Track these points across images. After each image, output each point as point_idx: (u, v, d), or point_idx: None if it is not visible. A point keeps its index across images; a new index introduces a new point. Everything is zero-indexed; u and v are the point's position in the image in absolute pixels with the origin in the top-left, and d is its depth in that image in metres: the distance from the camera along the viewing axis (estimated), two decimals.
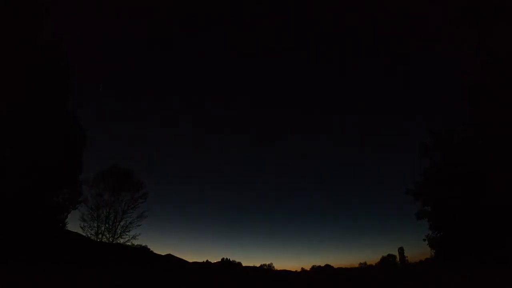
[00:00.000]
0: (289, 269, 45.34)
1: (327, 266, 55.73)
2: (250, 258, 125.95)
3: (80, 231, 24.43)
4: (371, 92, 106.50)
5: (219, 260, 46.91)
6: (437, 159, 24.55)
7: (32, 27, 16.87)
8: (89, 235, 24.87)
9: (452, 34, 21.44)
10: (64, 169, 18.05)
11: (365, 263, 53.20)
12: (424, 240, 25.81)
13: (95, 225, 25.49)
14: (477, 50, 20.18)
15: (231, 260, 47.37)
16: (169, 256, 28.68)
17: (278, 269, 49.19)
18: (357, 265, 53.81)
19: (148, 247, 28.52)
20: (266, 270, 46.90)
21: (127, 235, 26.35)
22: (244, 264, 47.05)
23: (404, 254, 40.21)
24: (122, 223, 26.45)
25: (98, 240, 25.13)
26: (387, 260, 46.18)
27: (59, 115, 17.73)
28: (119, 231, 26.23)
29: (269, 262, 56.73)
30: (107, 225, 25.91)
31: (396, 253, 42.87)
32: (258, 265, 51.20)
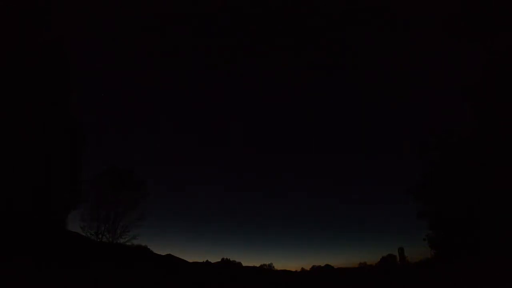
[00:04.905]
0: (289, 269, 45.25)
1: (327, 266, 55.63)
2: (250, 258, 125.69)
3: (80, 231, 24.46)
4: (370, 91, 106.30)
5: (219, 260, 46.90)
6: (437, 159, 24.60)
7: (33, 27, 16.88)
8: (89, 235, 24.89)
9: (452, 34, 21.48)
10: (64, 169, 18.06)
11: (365, 263, 53.04)
12: (424, 240, 25.89)
13: (95, 225, 25.54)
14: (477, 50, 20.23)
15: (231, 260, 47.39)
16: (169, 256, 28.64)
17: (278, 269, 49.08)
18: (357, 265, 53.64)
19: (148, 247, 28.58)
20: (266, 270, 46.83)
21: (127, 235, 26.42)
22: (244, 264, 46.99)
23: (404, 254, 40.11)
24: (122, 223, 26.50)
25: (98, 240, 25.15)
26: (387, 260, 46.12)
27: (59, 115, 17.74)
28: (119, 231, 26.27)
29: (269, 262, 56.56)
30: (107, 225, 25.94)
31: (396, 253, 42.80)
32: (258, 265, 51.08)
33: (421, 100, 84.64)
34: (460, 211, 21.97)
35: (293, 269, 46.74)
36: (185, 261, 29.49)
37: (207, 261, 42.04)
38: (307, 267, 56.15)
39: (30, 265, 11.64)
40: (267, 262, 57.12)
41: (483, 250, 19.15)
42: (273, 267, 53.94)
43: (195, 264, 31.74)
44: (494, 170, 19.09)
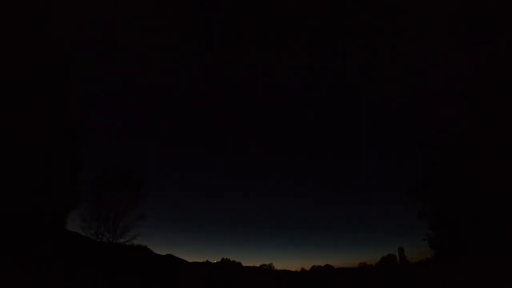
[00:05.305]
0: (289, 269, 45.24)
1: (327, 266, 55.61)
2: (250, 258, 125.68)
3: (80, 231, 24.44)
4: (370, 91, 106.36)
5: (219, 260, 46.90)
6: (437, 159, 24.61)
7: (33, 27, 16.88)
8: (89, 235, 24.87)
9: (452, 34, 21.47)
10: (64, 169, 18.06)
11: (365, 263, 52.98)
12: (424, 240, 25.94)
13: (95, 225, 25.51)
14: (477, 50, 20.23)
15: (231, 260, 47.38)
16: (169, 256, 28.65)
17: (278, 269, 49.06)
18: (357, 265, 53.59)
19: (148, 247, 28.58)
20: (266, 270, 46.85)
21: (127, 235, 26.40)
22: (244, 264, 46.98)
23: (404, 254, 40.15)
24: (122, 223, 26.48)
25: (98, 240, 25.13)
26: (387, 260, 46.13)
27: (59, 115, 17.74)
28: (119, 231, 26.25)
29: (269, 262, 56.50)
30: (107, 225, 25.92)
31: (396, 253, 42.83)
32: (258, 265, 51.06)
33: (421, 100, 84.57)
34: (460, 211, 21.97)
35: (293, 269, 46.78)
36: (185, 261, 29.50)
37: (207, 261, 42.08)
38: (307, 267, 56.09)
39: (30, 265, 11.64)
40: (267, 262, 57.04)
41: (483, 250, 19.15)
42: (273, 267, 53.87)
43: (195, 264, 31.76)
44: (494, 170, 19.10)
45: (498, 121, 18.92)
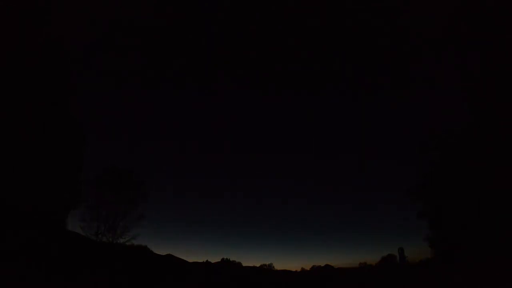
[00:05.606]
0: (289, 269, 45.24)
1: (327, 266, 55.57)
2: (250, 258, 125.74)
3: (80, 231, 24.45)
4: (369, 92, 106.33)
5: (219, 260, 46.84)
6: (437, 159, 24.61)
7: (33, 27, 16.89)
8: (89, 235, 24.88)
9: (452, 34, 21.48)
10: (64, 169, 18.07)
11: (365, 263, 52.90)
12: (424, 240, 25.94)
13: (95, 225, 25.52)
14: (477, 50, 20.23)
15: (231, 260, 47.33)
16: (169, 256, 28.64)
17: (278, 269, 49.03)
18: (357, 265, 53.54)
19: (148, 247, 28.57)
20: (266, 270, 46.83)
21: (127, 235, 26.42)
22: (244, 264, 46.94)
23: (404, 254, 40.17)
24: (122, 223, 26.49)
25: (98, 240, 25.15)
26: (387, 260, 46.09)
27: (59, 115, 17.75)
28: (119, 231, 26.26)
29: (269, 262, 56.45)
30: (107, 225, 25.93)
31: (396, 253, 42.80)
32: (258, 265, 51.04)
33: (421, 100, 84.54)
34: (460, 211, 21.98)
35: (293, 269, 46.76)
36: (185, 261, 29.49)
37: (207, 261, 42.06)
38: (307, 267, 55.99)
39: (31, 265, 11.65)
40: (267, 262, 57.00)
41: (483, 250, 19.15)
42: (273, 267, 53.82)
43: (195, 264, 31.75)
44: (494, 170, 19.10)
45: (498, 121, 18.92)
